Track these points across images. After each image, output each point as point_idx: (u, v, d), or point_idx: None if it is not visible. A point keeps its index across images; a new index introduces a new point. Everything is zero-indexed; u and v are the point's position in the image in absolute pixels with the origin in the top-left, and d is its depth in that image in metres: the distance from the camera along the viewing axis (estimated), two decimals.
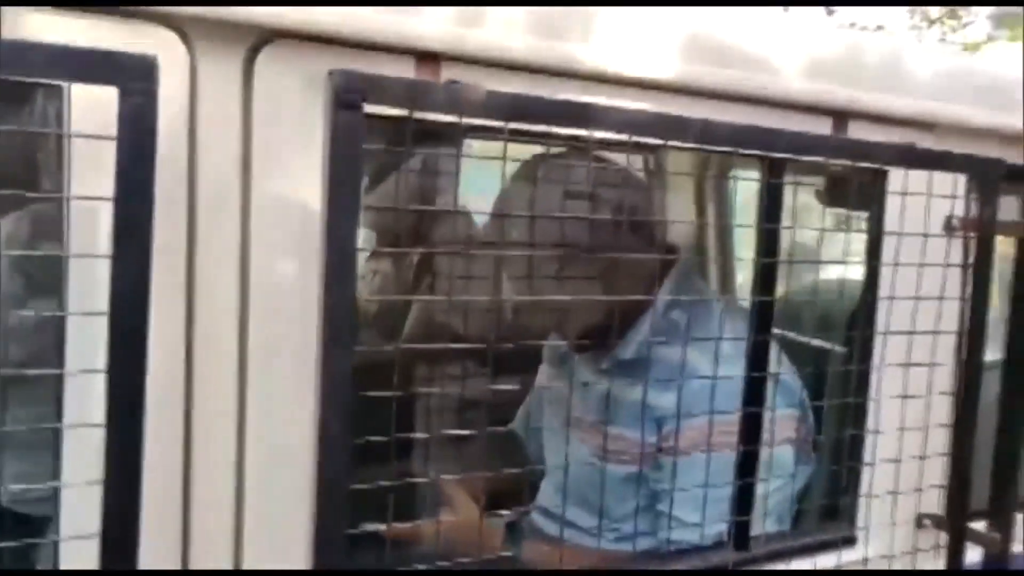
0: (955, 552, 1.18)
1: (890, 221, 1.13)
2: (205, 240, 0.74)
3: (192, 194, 0.73)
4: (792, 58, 1.06)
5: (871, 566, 1.18)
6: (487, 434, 1.64)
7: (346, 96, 0.70)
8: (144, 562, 0.70)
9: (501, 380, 1.82)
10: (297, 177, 0.76)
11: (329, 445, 0.73)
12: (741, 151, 0.96)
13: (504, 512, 1.53)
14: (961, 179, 1.17)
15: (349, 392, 0.73)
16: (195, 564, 0.76)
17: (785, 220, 1.05)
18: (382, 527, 0.83)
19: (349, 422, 0.74)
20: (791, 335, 1.43)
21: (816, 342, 1.40)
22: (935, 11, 9.92)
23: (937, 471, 1.17)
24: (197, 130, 0.73)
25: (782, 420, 1.18)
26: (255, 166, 0.75)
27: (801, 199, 1.10)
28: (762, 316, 1.06)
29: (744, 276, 1.92)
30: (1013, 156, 1.20)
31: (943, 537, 1.21)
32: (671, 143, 0.87)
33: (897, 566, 1.18)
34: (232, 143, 0.75)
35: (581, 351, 1.40)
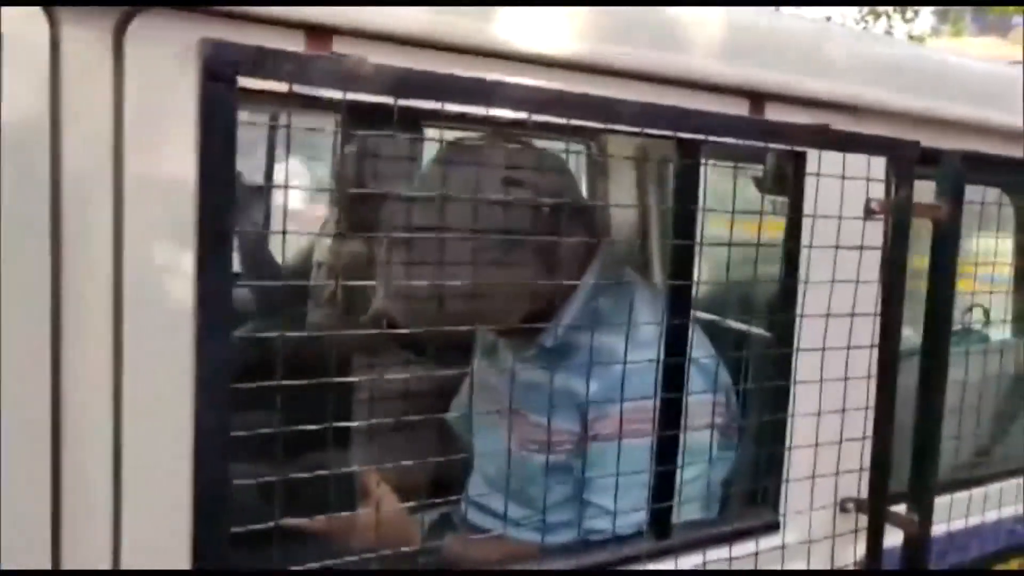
0: (875, 535, 1.18)
1: (809, 204, 1.12)
2: (73, 226, 0.70)
3: (56, 177, 0.69)
4: (707, 37, 1.04)
5: (792, 552, 1.17)
6: (417, 425, 1.62)
7: (218, 68, 0.66)
8: (8, 563, 0.66)
9: (434, 369, 1.80)
10: (173, 157, 0.71)
11: (206, 440, 0.69)
12: (650, 131, 0.93)
13: (429, 503, 1.51)
14: (881, 162, 1.16)
15: (227, 383, 0.69)
16: (67, 566, 0.72)
17: (711, 204, 1.04)
18: (273, 524, 0.79)
19: (227, 416, 0.70)
20: (713, 318, 1.42)
21: (739, 326, 1.40)
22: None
23: (858, 455, 1.17)
24: (61, 110, 0.69)
25: (702, 405, 1.17)
26: (127, 146, 0.71)
27: (728, 182, 1.09)
28: (679, 300, 1.04)
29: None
30: (933, 140, 1.20)
31: (864, 521, 1.21)
32: (575, 122, 0.84)
33: (817, 550, 1.17)
34: (101, 122, 0.70)
35: (506, 338, 1.38)
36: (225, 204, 0.67)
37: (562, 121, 0.83)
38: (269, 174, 2.56)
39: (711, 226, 1.08)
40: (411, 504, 1.26)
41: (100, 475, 0.72)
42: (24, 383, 0.69)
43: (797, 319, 1.15)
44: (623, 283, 1.31)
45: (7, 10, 0.66)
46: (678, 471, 1.11)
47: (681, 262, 1.04)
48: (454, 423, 1.62)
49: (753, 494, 1.25)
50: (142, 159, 0.71)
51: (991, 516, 1.51)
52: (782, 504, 1.20)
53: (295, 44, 0.78)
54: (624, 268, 1.38)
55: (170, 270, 0.72)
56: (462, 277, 1.23)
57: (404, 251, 1.31)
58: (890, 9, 10.28)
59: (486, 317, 1.34)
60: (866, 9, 10.25)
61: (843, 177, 1.05)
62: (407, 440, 1.56)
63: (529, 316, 1.30)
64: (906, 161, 1.11)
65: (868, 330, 1.14)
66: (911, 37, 10.03)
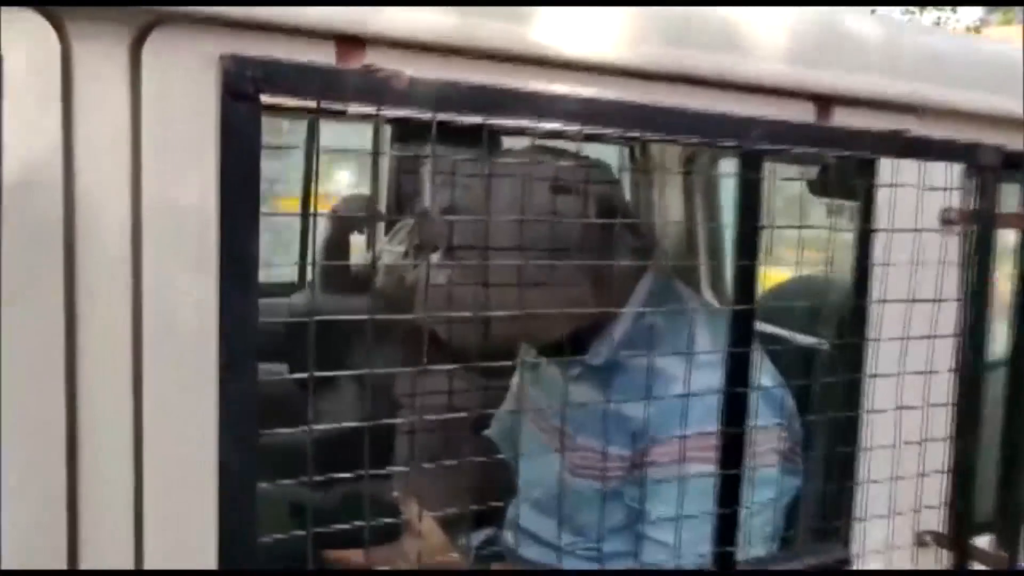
0: (959, 572, 1.08)
1: (882, 216, 1.03)
2: (88, 253, 0.65)
3: (69, 202, 0.64)
4: (768, 38, 0.96)
5: None
6: (459, 447, 1.56)
7: (238, 85, 0.60)
8: None
9: (475, 387, 1.74)
10: (194, 179, 0.66)
11: (230, 487, 0.63)
12: (711, 142, 0.86)
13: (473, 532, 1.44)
14: (957, 168, 1.07)
15: (253, 424, 0.63)
16: None
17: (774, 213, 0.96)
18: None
19: (253, 459, 0.64)
20: (778, 333, 1.33)
21: (803, 343, 1.30)
22: None
23: (937, 486, 1.08)
24: (74, 130, 0.63)
25: (767, 433, 1.09)
26: (145, 168, 0.65)
27: (792, 190, 1.01)
28: (743, 322, 0.96)
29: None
30: (1013, 143, 1.10)
31: (945, 556, 1.12)
32: (630, 134, 0.77)
33: None
34: (118, 143, 0.65)
35: (551, 356, 1.31)
36: (249, 229, 0.62)
37: (615, 131, 0.76)
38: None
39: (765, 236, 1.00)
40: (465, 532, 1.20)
41: (121, 524, 0.67)
42: (39, 414, 0.64)
43: (868, 341, 1.07)
44: (676, 298, 1.23)
45: (12, 26, 0.61)
46: (742, 502, 1.02)
47: (745, 278, 0.96)
48: (497, 440, 1.56)
49: (820, 527, 1.16)
50: (162, 184, 0.66)
51: None
52: (854, 540, 1.12)
53: (325, 55, 0.72)
54: (677, 283, 1.30)
55: (192, 301, 0.66)
56: (505, 290, 1.16)
57: (445, 262, 1.25)
58: None
59: (529, 332, 1.27)
60: None
61: (921, 187, 0.97)
62: (448, 466, 1.49)
63: (573, 331, 1.23)
64: (988, 167, 1.02)
65: (947, 352, 1.05)
66: (968, 29, 9.73)
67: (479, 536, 1.47)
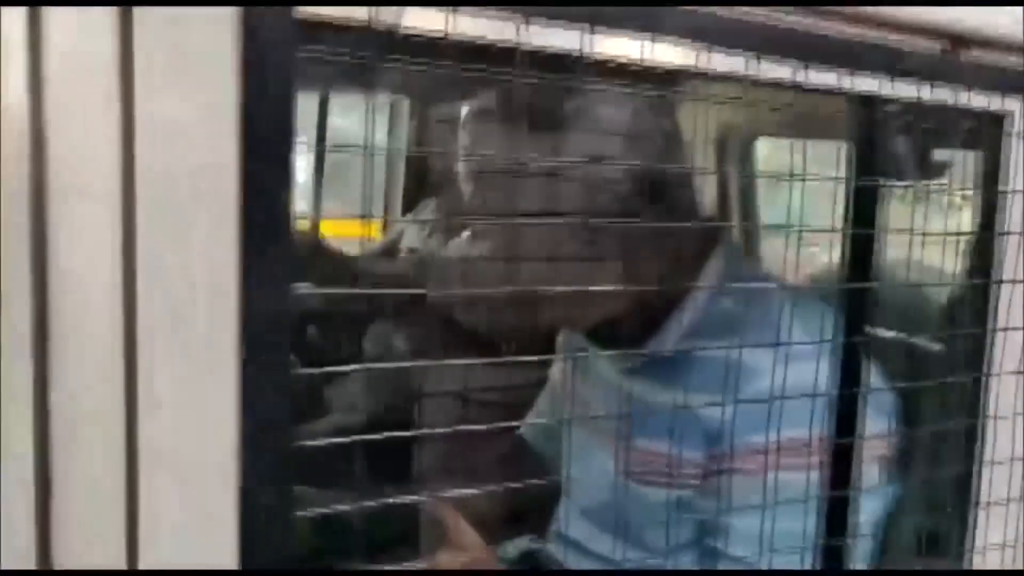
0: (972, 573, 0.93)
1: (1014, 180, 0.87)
2: (64, 225, 0.48)
3: (40, 168, 0.47)
4: None
5: None
6: (489, 439, 1.40)
7: None
8: None
9: (506, 378, 1.58)
10: (208, 119, 0.49)
11: (253, 516, 0.48)
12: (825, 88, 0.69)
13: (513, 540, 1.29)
14: None
15: (284, 446, 0.47)
16: None
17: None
18: None
19: (284, 487, 0.48)
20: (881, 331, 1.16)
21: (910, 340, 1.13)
22: None
23: None
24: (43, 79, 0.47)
25: (875, 441, 0.93)
26: (138, 126, 0.49)
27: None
28: (855, 306, 0.80)
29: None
30: None
31: None
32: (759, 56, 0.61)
33: None
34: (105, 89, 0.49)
35: (602, 342, 1.15)
36: (281, 187, 0.46)
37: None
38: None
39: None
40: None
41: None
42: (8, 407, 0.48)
43: (990, 333, 0.90)
44: (755, 279, 1.07)
45: None
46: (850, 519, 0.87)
47: (857, 257, 0.80)
48: (531, 439, 1.40)
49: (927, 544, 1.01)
50: (158, 143, 0.49)
51: None
52: (969, 559, 0.96)
53: None
54: (751, 262, 1.14)
55: (203, 285, 0.50)
56: (537, 264, 0.99)
57: (463, 233, 1.09)
58: None
59: (574, 314, 1.10)
60: None
61: None
62: (482, 467, 1.34)
63: (627, 315, 1.06)
64: None
65: None
66: None
67: (515, 546, 1.32)
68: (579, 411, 1.23)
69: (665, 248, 1.03)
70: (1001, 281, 0.89)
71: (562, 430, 1.26)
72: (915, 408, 1.00)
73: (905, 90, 0.76)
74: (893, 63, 0.73)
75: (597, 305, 1.05)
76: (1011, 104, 0.86)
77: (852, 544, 0.88)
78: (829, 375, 0.87)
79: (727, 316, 1.03)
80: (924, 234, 0.82)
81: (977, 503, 0.90)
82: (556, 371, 1.35)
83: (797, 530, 0.90)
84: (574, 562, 1.17)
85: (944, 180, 0.91)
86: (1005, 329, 0.88)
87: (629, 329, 1.06)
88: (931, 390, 1.02)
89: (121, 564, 0.46)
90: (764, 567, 0.91)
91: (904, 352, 1.03)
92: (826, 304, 0.97)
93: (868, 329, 0.81)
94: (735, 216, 1.83)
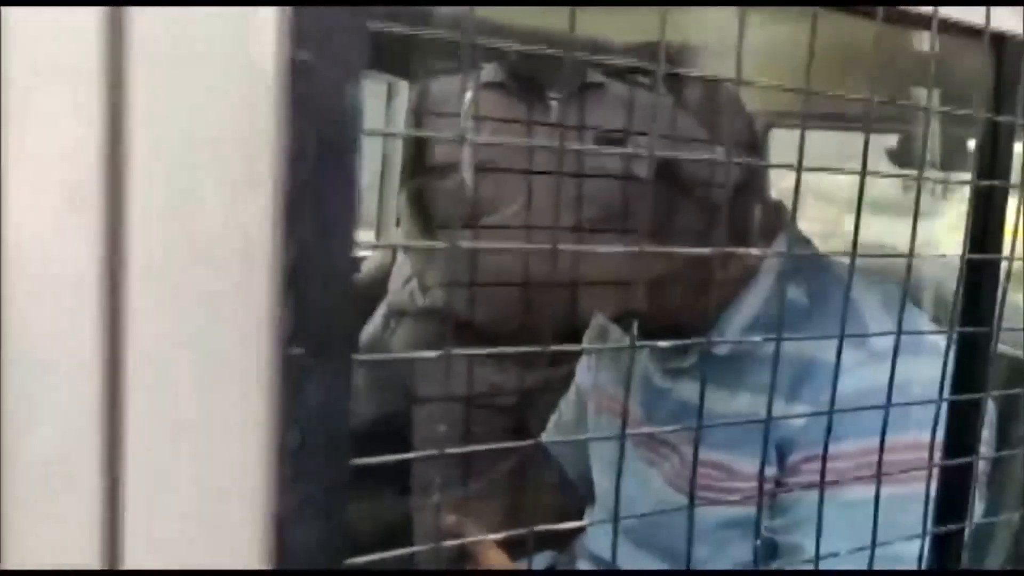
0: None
1: None
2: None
3: None
4: None
5: None
6: (509, 448, 1.28)
7: None
8: None
9: (522, 376, 1.45)
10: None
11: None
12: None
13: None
14: None
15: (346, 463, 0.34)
16: None
17: None
18: None
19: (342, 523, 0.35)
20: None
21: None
22: None
23: None
24: None
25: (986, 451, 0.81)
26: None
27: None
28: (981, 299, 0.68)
29: None
30: None
31: None
32: None
33: None
34: None
35: (647, 338, 1.01)
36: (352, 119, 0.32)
37: None
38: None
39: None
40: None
41: None
42: None
43: None
44: (822, 268, 0.95)
45: None
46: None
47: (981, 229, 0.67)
48: (553, 448, 1.27)
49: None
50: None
51: None
52: None
53: None
54: (815, 251, 1.01)
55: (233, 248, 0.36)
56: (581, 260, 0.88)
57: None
58: None
59: (610, 305, 0.98)
60: None
61: None
62: (500, 474, 1.21)
63: (674, 308, 0.94)
64: None
65: None
66: None
67: (539, 562, 1.19)
68: (611, 416, 1.10)
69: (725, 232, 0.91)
70: None
71: (592, 432, 1.14)
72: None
73: None
74: None
75: (633, 290, 0.92)
76: None
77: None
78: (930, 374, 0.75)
79: (793, 304, 0.91)
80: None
81: None
82: (584, 370, 1.22)
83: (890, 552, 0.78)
84: None
85: None
86: None
87: (674, 321, 0.93)
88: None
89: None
90: None
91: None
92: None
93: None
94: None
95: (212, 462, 0.35)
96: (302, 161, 0.34)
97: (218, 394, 0.35)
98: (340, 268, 0.35)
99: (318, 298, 0.35)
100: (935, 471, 0.72)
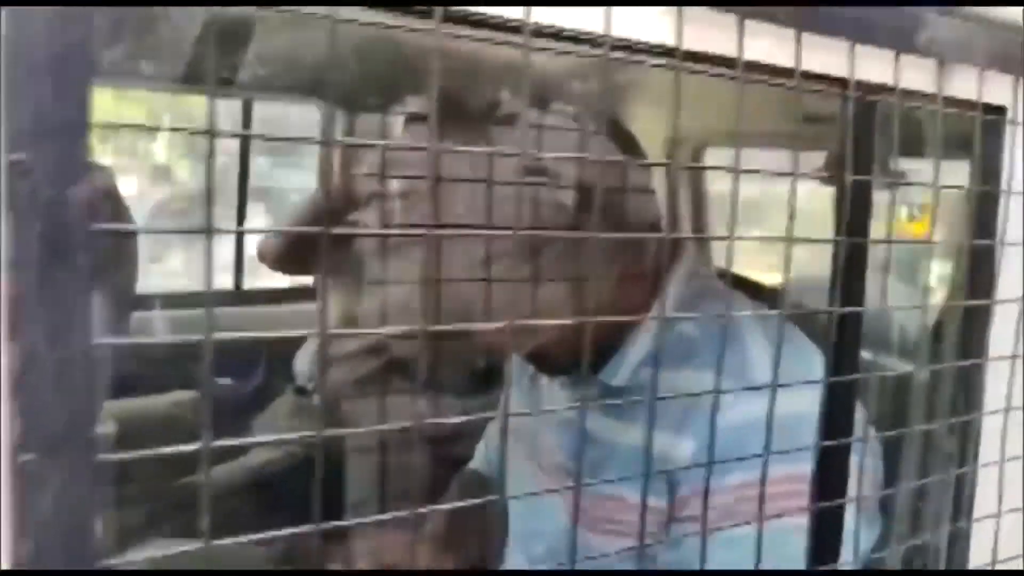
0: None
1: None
2: None
3: None
4: None
5: None
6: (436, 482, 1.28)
7: None
8: None
9: (447, 406, 1.45)
10: None
11: None
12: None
13: None
14: None
15: None
16: None
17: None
18: None
19: None
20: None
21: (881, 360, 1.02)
22: None
23: None
24: None
25: (860, 475, 0.80)
26: None
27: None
28: (847, 332, 0.68)
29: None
30: None
31: None
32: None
33: None
34: None
35: (549, 370, 1.02)
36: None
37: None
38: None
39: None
40: None
41: None
42: None
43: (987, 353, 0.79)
44: (715, 298, 0.94)
45: None
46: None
47: (850, 269, 0.67)
48: (486, 471, 1.27)
49: None
50: None
51: None
52: None
53: None
54: (713, 281, 1.00)
55: None
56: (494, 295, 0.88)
57: (392, 255, 0.97)
58: None
59: (521, 340, 0.97)
60: None
61: None
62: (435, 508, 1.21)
63: (575, 343, 0.93)
64: None
65: None
66: None
67: None
68: (524, 446, 1.09)
69: (621, 263, 0.91)
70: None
71: (505, 467, 1.13)
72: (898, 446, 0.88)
73: None
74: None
75: (542, 329, 0.92)
76: None
77: None
78: (810, 407, 0.74)
79: (687, 336, 0.90)
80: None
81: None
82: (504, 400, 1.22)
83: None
84: None
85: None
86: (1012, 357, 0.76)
87: (578, 354, 0.93)
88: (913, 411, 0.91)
89: None
90: None
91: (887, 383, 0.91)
92: (805, 327, 0.86)
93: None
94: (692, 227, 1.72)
95: None
96: (24, 266, 0.33)
97: None
98: (74, 368, 0.34)
99: (49, 401, 0.34)
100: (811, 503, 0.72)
